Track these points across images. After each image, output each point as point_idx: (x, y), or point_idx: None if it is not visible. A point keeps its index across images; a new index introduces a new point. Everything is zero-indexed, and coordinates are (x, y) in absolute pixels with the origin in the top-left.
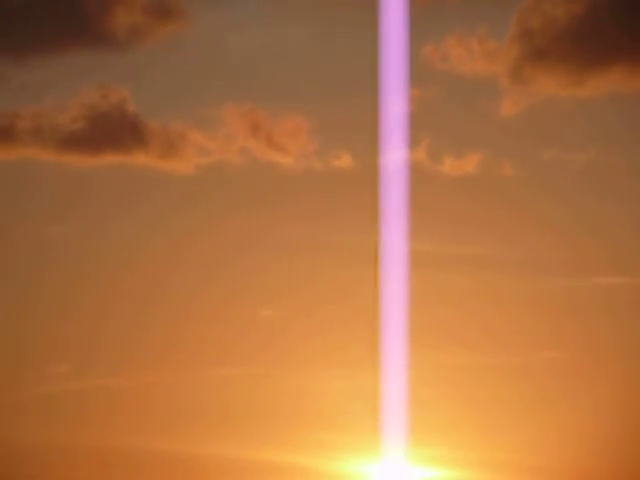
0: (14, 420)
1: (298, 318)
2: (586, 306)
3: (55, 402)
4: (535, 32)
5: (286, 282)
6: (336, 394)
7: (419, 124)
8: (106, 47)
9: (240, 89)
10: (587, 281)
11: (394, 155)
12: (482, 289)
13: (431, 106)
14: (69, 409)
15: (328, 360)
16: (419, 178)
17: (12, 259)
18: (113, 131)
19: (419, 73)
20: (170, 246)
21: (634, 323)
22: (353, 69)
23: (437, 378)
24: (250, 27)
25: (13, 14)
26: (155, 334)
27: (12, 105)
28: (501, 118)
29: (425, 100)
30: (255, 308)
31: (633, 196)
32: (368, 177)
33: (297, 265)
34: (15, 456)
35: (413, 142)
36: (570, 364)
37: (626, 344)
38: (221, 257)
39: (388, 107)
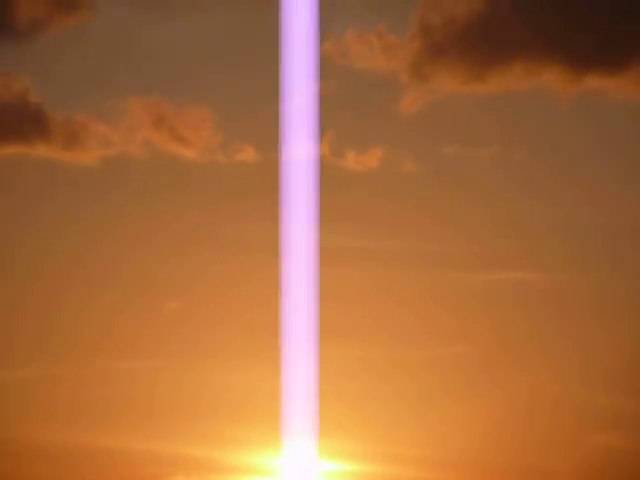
0: None
1: (202, 310)
2: (496, 301)
3: None
4: (435, 28)
5: (191, 274)
6: (239, 387)
7: (322, 119)
8: (8, 36)
9: (145, 81)
10: (497, 276)
11: (298, 150)
12: (386, 284)
13: (334, 101)
14: None
15: (231, 352)
16: (322, 172)
17: None
18: (14, 121)
19: (322, 68)
20: (73, 238)
21: (545, 318)
22: (257, 63)
23: (340, 372)
24: (155, 19)
25: None
26: (60, 326)
27: None
28: (402, 114)
29: (328, 95)
30: (161, 300)
31: (539, 191)
32: (272, 171)
33: (201, 257)
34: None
35: (316, 137)
36: (478, 359)
37: (537, 339)
38: (125, 249)
39: (292, 101)
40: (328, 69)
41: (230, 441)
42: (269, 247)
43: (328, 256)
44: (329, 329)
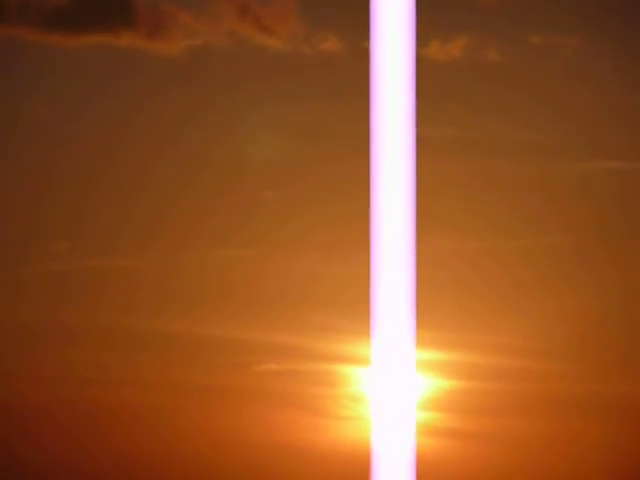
0: (9, 299)
1: (302, 201)
2: (595, 191)
3: (51, 281)
4: None
5: (284, 162)
6: (331, 275)
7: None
8: None
9: None
10: (595, 165)
11: (384, 40)
12: (482, 174)
13: None
14: (66, 288)
15: (324, 241)
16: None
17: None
18: (99, 9)
19: None
20: (163, 125)
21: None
22: None
23: (434, 263)
24: None
25: None
26: (152, 215)
27: None
28: (486, 2)
29: None
30: (257, 190)
31: (633, 79)
32: (360, 61)
33: (292, 146)
34: (13, 335)
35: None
36: (574, 249)
37: (635, 229)
38: (212, 138)
39: None
40: None
41: (322, 329)
42: (360, 136)
43: (423, 146)
44: (423, 220)
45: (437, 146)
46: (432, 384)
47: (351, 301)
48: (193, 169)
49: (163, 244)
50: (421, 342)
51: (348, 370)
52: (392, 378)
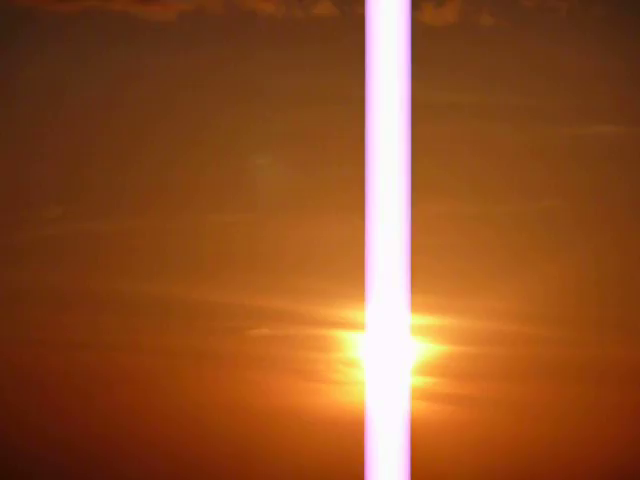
0: (8, 263)
1: (294, 166)
2: (589, 156)
3: (47, 245)
4: None
5: (280, 129)
6: (326, 240)
7: None
8: None
9: None
10: (590, 130)
11: (378, 3)
12: (476, 138)
13: None
14: (59, 252)
15: (320, 206)
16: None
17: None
18: None
19: None
20: (157, 89)
21: (637, 172)
22: None
23: (428, 228)
24: None
25: None
26: (146, 179)
27: None
28: None
29: None
30: (248, 155)
31: (624, 45)
32: (353, 25)
33: (288, 112)
34: (11, 299)
35: None
36: (570, 213)
37: (631, 192)
38: (208, 106)
39: None
40: None
41: (317, 294)
42: (355, 101)
43: (418, 111)
44: (418, 185)
45: (432, 111)
46: (426, 349)
47: (346, 266)
48: (189, 133)
49: (158, 208)
50: (415, 307)
51: (343, 335)
52: (386, 343)
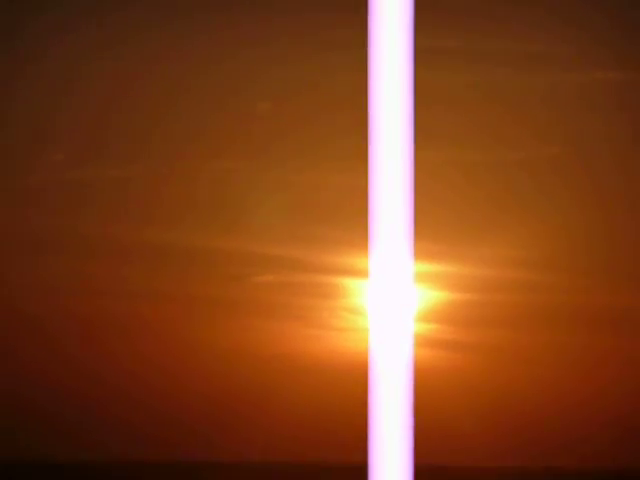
0: (19, 208)
1: (297, 114)
2: (599, 102)
3: (51, 191)
4: None
5: (281, 74)
6: (329, 187)
7: None
8: None
9: None
10: (595, 76)
11: None
12: (483, 85)
13: None
14: (65, 198)
15: (322, 153)
16: None
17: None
18: None
19: None
20: (159, 39)
21: None
22: None
23: (431, 175)
24: None
25: None
26: (146, 125)
27: None
28: None
29: None
30: (253, 102)
31: None
32: None
33: (290, 57)
34: (21, 244)
35: None
36: (578, 160)
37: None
38: (211, 52)
39: None
40: None
41: (320, 242)
42: (358, 49)
43: (422, 57)
44: (423, 131)
45: (438, 58)
46: (430, 296)
47: (348, 213)
48: (189, 80)
49: (157, 155)
50: (419, 254)
51: (346, 282)
52: (390, 290)
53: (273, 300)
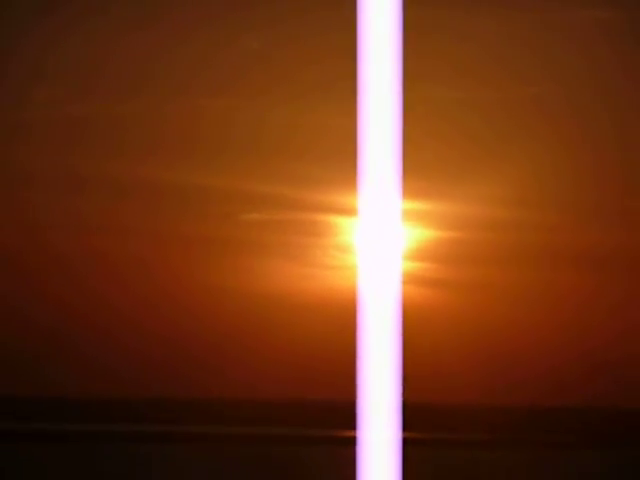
0: (13, 143)
1: (285, 50)
2: (584, 39)
3: (43, 127)
4: None
5: (271, 15)
6: (317, 127)
7: None
8: None
9: None
10: (581, 12)
11: None
12: (461, 22)
13: None
14: (50, 135)
15: (318, 94)
16: None
17: None
18: None
19: None
20: None
21: (635, 56)
22: None
23: (416, 113)
24: None
25: None
26: (140, 63)
27: None
28: None
29: None
30: (243, 39)
31: None
32: None
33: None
34: (15, 179)
35: None
36: (563, 99)
37: (627, 78)
38: None
39: None
40: None
41: (312, 180)
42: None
43: None
44: (408, 71)
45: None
46: (418, 234)
47: (339, 152)
48: (188, 22)
49: (153, 92)
50: (407, 192)
51: (335, 220)
52: (378, 228)
53: (264, 238)
